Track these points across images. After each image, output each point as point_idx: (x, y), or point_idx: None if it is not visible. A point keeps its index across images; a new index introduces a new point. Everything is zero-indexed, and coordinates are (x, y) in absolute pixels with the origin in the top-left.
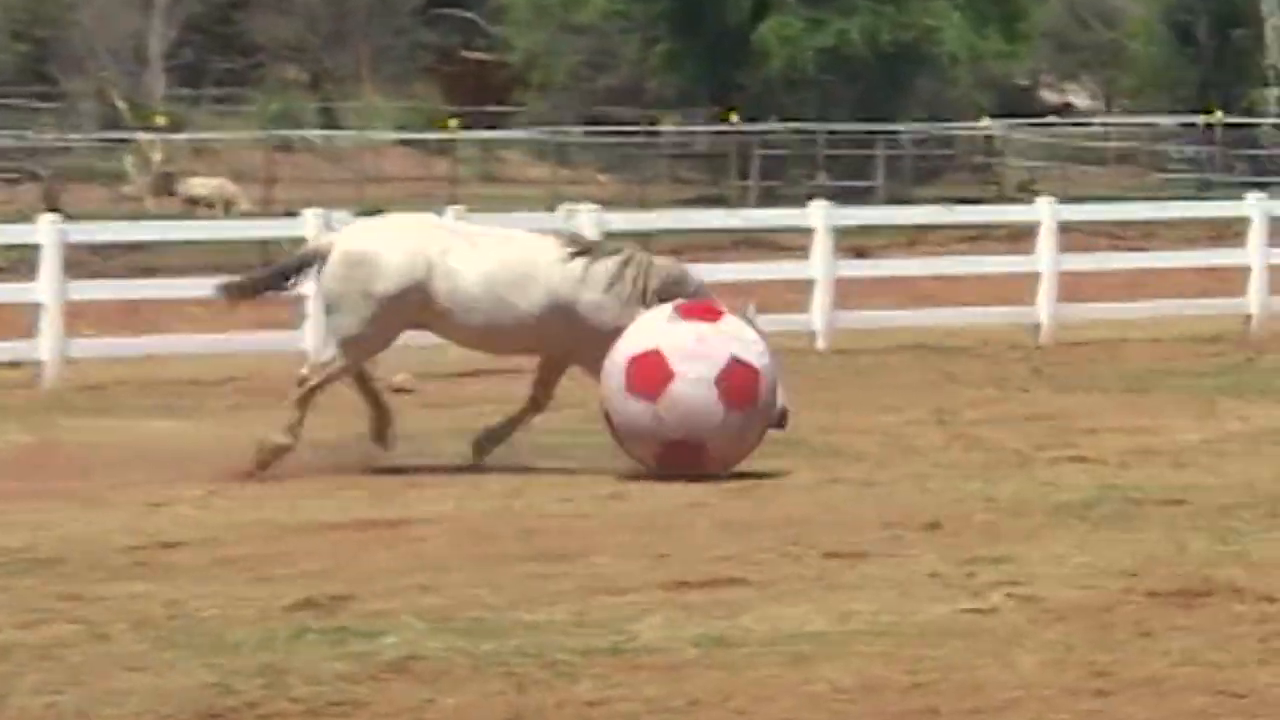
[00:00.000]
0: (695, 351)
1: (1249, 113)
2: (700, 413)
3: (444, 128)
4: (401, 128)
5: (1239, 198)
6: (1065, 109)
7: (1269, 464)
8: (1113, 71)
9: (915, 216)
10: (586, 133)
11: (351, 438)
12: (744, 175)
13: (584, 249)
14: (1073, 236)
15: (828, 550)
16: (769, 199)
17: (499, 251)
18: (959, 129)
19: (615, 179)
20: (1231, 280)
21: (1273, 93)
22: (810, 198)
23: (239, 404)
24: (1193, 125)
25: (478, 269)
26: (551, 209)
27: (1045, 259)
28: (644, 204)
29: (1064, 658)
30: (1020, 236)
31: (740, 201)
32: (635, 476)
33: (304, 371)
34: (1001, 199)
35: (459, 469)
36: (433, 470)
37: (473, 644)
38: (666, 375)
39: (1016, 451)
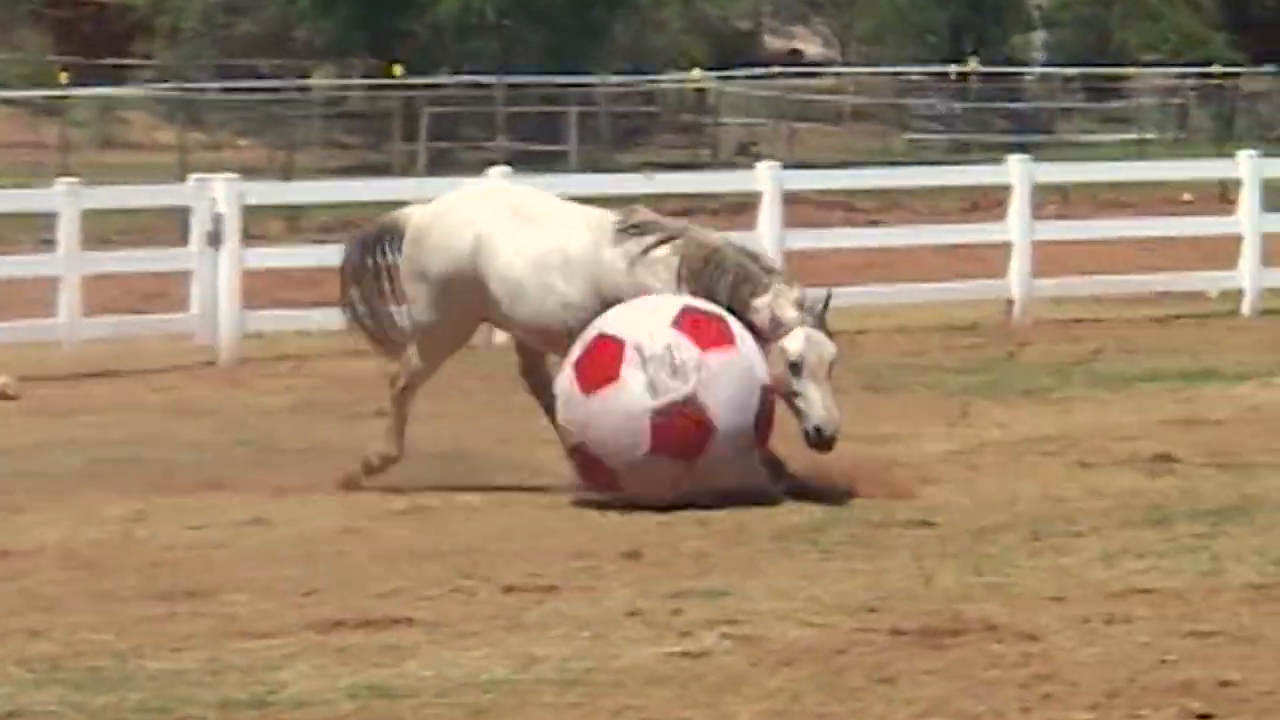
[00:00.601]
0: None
1: (1010, 61)
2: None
3: (54, 84)
4: (2, 84)
5: (999, 161)
6: (792, 58)
7: (1032, 479)
8: (848, 14)
9: (612, 186)
10: (223, 89)
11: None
12: (411, 138)
13: (636, 227)
14: (801, 208)
15: (508, 584)
16: (441, 165)
17: (548, 229)
18: (666, 82)
19: (257, 143)
20: (990, 259)
21: (1038, 37)
22: (489, 164)
23: None
24: (943, 76)
25: (524, 250)
26: (181, 179)
27: (769, 235)
28: (292, 173)
29: (789, 708)
30: (738, 209)
31: (407, 169)
32: (279, 498)
33: (392, 369)
34: (716, 164)
35: (74, 491)
36: (38, 492)
37: (88, 697)
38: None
39: None
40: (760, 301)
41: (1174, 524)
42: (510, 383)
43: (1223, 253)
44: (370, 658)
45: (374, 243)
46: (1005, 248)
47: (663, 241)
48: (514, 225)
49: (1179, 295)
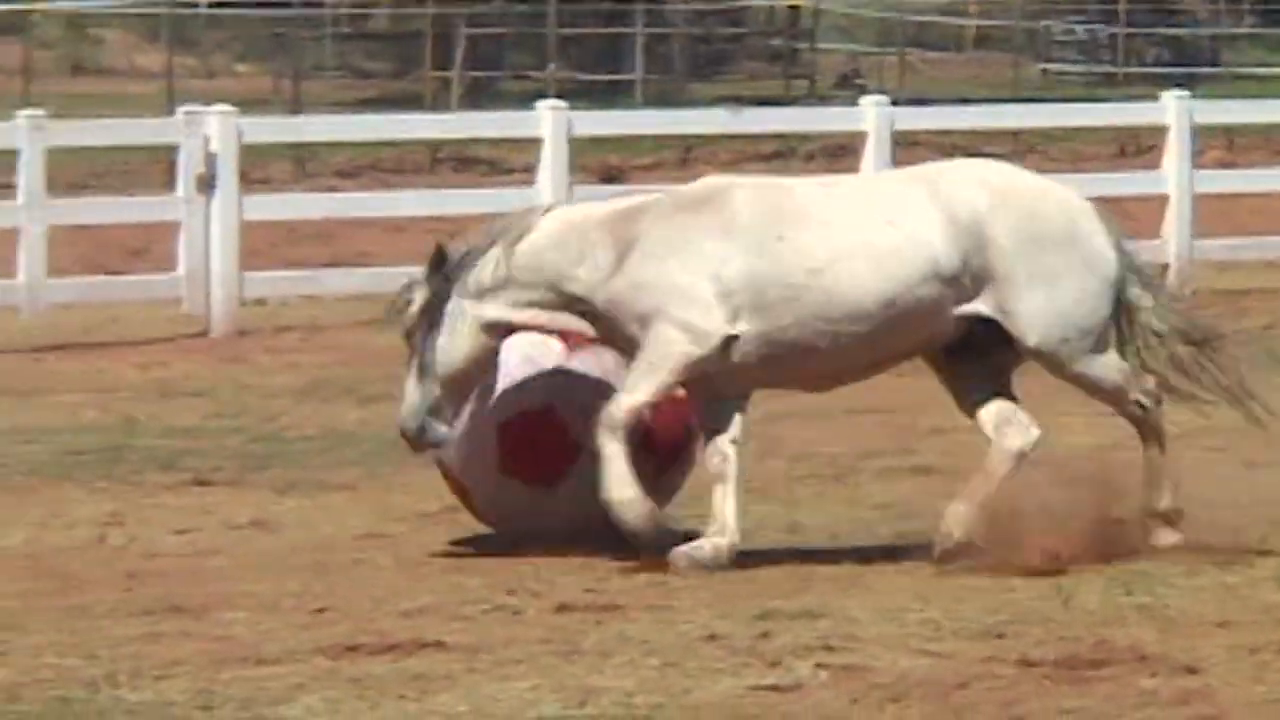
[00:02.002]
0: None
1: None
2: None
3: None
4: None
5: (1152, 98)
6: None
7: (1186, 479)
8: None
9: (688, 123)
10: (218, 3)
11: None
12: (444, 64)
13: None
14: (914, 152)
15: (562, 601)
16: (481, 98)
17: None
18: (752, 0)
19: (260, 70)
20: (1143, 215)
21: None
22: (539, 96)
23: None
24: None
25: None
26: (168, 113)
27: None
28: (301, 105)
29: None
30: (839, 151)
31: (440, 101)
32: (284, 497)
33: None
34: (813, 99)
35: (39, 487)
36: None
37: None
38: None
39: (830, 459)
40: None
41: None
42: None
43: None
44: (394, 689)
45: None
46: (1161, 201)
47: None
48: None
49: None
